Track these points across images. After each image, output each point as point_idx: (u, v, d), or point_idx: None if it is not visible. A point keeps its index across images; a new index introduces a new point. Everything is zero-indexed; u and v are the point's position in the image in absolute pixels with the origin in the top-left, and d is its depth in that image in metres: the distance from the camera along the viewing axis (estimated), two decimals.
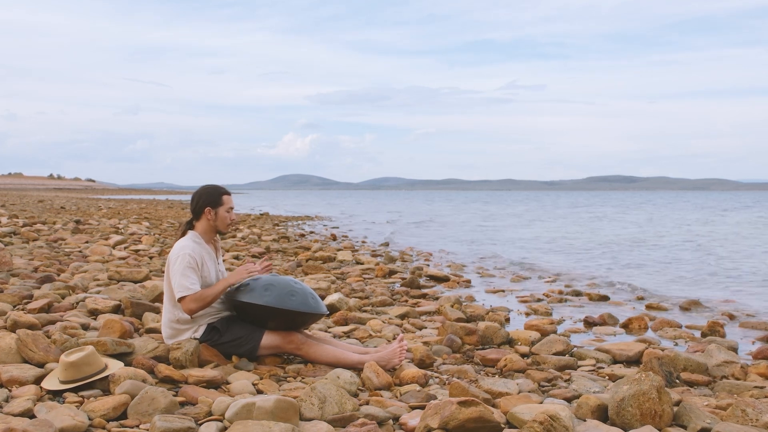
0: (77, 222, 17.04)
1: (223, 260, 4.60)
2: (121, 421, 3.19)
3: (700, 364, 4.52)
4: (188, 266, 4.11)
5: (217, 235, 4.45)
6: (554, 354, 4.97)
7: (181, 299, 4.10)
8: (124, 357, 3.95)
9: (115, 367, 3.69)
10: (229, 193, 4.37)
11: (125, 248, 11.14)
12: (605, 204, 64.04)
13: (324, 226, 24.28)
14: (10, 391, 3.46)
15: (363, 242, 16.93)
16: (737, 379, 4.40)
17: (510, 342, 5.34)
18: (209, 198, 4.30)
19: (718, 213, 40.84)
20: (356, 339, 5.26)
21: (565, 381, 4.33)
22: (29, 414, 3.17)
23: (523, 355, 4.99)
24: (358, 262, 11.34)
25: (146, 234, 14.26)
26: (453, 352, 5.00)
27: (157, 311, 5.34)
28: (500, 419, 3.28)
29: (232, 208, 4.36)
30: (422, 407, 3.48)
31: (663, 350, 5.06)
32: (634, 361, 4.91)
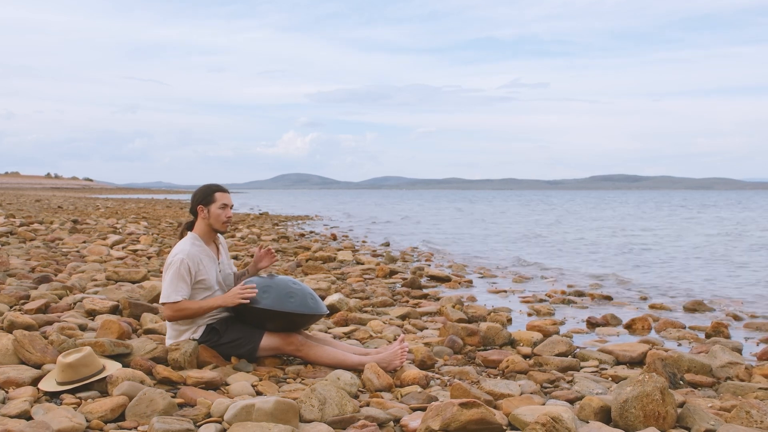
0: (75, 222, 17.01)
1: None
2: (119, 423, 3.16)
3: (704, 365, 4.49)
4: (177, 274, 4.07)
5: (218, 235, 4.41)
6: (557, 355, 4.94)
7: (163, 305, 4.11)
8: (122, 358, 3.91)
9: (113, 368, 3.66)
10: (223, 190, 4.30)
11: (123, 248, 11.11)
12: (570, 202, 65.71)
13: (324, 225, 24.26)
14: (6, 392, 3.43)
15: (363, 242, 16.91)
16: (741, 380, 4.37)
17: (512, 343, 5.31)
18: (201, 196, 4.26)
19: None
20: (357, 340, 5.23)
21: (568, 382, 4.30)
22: (26, 416, 3.14)
23: (525, 356, 4.96)
24: (359, 262, 11.31)
25: (144, 234, 14.23)
26: (454, 353, 4.97)
27: (156, 312, 5.31)
28: (502, 421, 3.25)
29: (227, 205, 4.27)
30: (423, 409, 3.45)
31: (667, 351, 5.03)
32: (637, 362, 4.88)
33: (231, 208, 4.31)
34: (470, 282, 9.60)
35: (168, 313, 4.10)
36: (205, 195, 4.26)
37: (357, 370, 4.08)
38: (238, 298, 4.07)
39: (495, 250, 15.76)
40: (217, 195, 4.25)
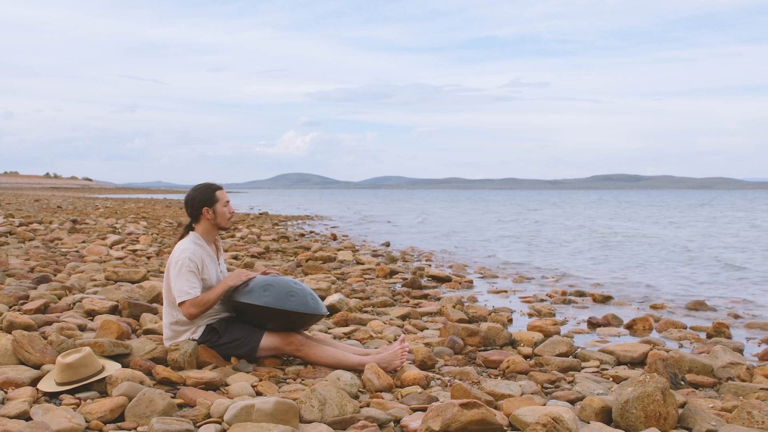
0: (74, 221, 16.99)
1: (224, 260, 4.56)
2: (119, 424, 3.15)
3: (706, 365, 4.48)
4: (188, 270, 4.07)
5: (218, 235, 4.41)
6: (557, 355, 4.93)
7: (181, 304, 4.06)
8: (122, 358, 3.90)
9: (112, 368, 3.65)
10: (221, 188, 4.35)
11: (122, 248, 11.09)
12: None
13: (324, 225, 24.24)
14: (5, 393, 3.42)
15: (363, 242, 16.89)
16: (743, 380, 4.36)
17: (513, 343, 5.29)
18: (203, 197, 4.26)
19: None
20: (357, 340, 5.22)
21: (569, 383, 4.29)
22: (25, 416, 3.13)
23: (526, 357, 4.95)
24: (359, 263, 11.29)
25: (144, 234, 14.21)
26: (455, 353, 4.96)
27: (155, 312, 5.29)
28: (503, 421, 3.24)
29: (228, 202, 4.34)
30: (424, 409, 3.44)
31: (668, 351, 5.01)
32: (638, 362, 4.87)
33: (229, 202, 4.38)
34: (471, 282, 9.58)
35: (191, 311, 4.05)
36: (208, 196, 4.27)
37: (357, 370, 4.07)
38: (243, 276, 4.16)
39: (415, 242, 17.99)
40: (218, 194, 4.29)
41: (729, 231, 23.49)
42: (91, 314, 5.35)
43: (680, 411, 3.38)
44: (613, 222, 29.10)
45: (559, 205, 57.29)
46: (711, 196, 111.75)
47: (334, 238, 17.09)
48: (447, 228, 24.56)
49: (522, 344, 5.27)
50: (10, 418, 3.07)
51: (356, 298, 7.26)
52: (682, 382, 4.19)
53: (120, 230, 15.15)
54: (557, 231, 23.14)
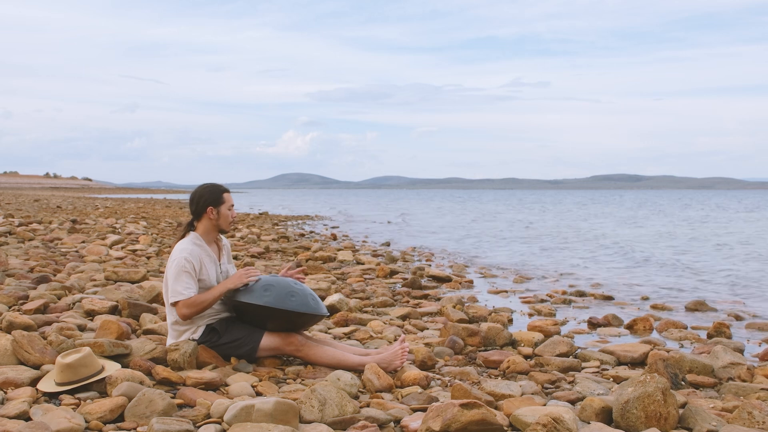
0: (73, 221, 16.99)
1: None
2: (118, 424, 3.15)
3: (706, 365, 4.48)
4: (183, 270, 4.06)
5: (220, 235, 4.40)
6: (558, 355, 4.93)
7: (174, 304, 4.06)
8: (121, 359, 3.90)
9: (112, 368, 3.64)
10: (228, 191, 4.35)
11: (122, 248, 11.09)
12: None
13: (324, 225, 24.24)
14: (5, 393, 3.41)
15: (364, 242, 16.88)
16: (744, 381, 4.35)
17: (513, 343, 5.29)
18: (211, 197, 4.25)
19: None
20: (357, 340, 5.21)
21: (569, 383, 4.28)
22: (25, 416, 3.13)
23: (527, 357, 4.94)
24: (359, 263, 11.29)
25: (143, 234, 14.20)
26: (455, 353, 4.95)
27: (155, 312, 5.29)
28: (503, 422, 3.24)
29: (233, 206, 4.34)
30: (424, 410, 3.43)
31: (668, 352, 5.01)
32: (639, 362, 4.87)
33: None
34: (471, 282, 9.58)
35: (183, 311, 4.05)
36: (216, 196, 4.27)
37: (357, 370, 4.07)
38: (244, 278, 4.13)
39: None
40: (225, 196, 4.29)
41: (725, 232, 23.47)
42: (90, 314, 5.35)
43: (681, 411, 3.38)
44: (590, 223, 29.47)
45: (549, 205, 58.27)
46: (707, 196, 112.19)
47: (334, 238, 17.08)
48: (420, 228, 24.99)
49: (522, 344, 5.27)
50: (10, 418, 3.07)
51: (356, 298, 7.26)
52: (683, 383, 4.18)
53: (120, 230, 15.15)
54: (521, 230, 23.72)
